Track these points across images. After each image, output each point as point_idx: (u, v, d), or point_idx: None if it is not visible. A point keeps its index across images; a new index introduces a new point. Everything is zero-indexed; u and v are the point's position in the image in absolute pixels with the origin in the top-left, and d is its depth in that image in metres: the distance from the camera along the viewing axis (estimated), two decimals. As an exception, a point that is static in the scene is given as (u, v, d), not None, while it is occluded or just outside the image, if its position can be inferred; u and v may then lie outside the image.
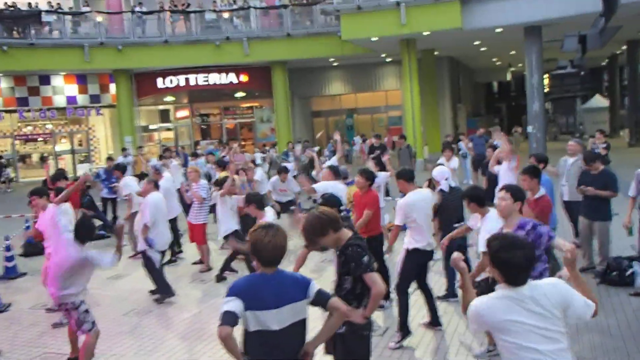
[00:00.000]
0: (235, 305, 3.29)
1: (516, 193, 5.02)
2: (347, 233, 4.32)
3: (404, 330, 6.39)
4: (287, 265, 3.79)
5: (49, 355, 6.73)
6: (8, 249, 10.51)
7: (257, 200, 7.48)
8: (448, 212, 7.67)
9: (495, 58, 34.89)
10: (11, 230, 12.79)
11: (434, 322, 6.78)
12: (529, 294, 3.20)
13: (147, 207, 8.54)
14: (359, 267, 4.20)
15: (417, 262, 6.57)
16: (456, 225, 7.60)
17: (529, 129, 22.90)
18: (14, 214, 16.80)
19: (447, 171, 8.12)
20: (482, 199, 5.71)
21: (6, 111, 27.93)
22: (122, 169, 12.37)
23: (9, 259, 10.50)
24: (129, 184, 11.33)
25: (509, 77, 46.25)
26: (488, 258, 3.31)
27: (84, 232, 5.91)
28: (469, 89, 38.89)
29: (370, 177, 7.62)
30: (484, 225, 5.51)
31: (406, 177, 6.84)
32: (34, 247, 11.76)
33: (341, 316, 3.62)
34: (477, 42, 26.00)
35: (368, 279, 4.19)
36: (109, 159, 16.25)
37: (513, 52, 30.90)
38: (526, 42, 22.41)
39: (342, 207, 6.01)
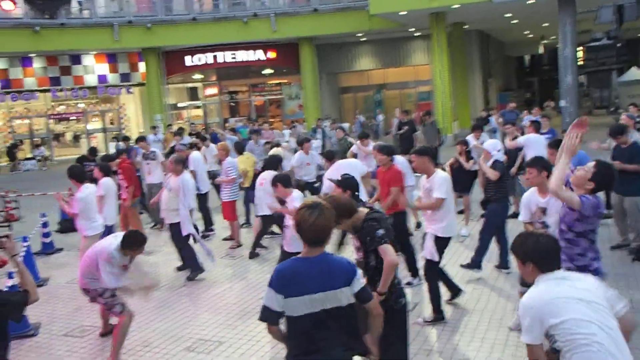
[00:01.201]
0: (271, 301, 3.31)
1: (536, 163, 5.14)
2: (362, 212, 4.34)
3: (438, 314, 6.37)
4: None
5: (85, 328, 6.93)
6: (45, 225, 10.78)
7: (283, 179, 7.24)
8: (505, 184, 7.71)
9: (527, 31, 34.16)
10: (47, 207, 13.09)
11: (456, 291, 6.80)
12: (565, 274, 3.25)
13: (188, 190, 8.52)
14: (373, 241, 4.22)
15: (445, 247, 6.50)
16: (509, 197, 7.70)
17: (562, 103, 22.48)
18: (50, 191, 17.16)
19: (499, 144, 8.24)
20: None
21: (40, 91, 28.39)
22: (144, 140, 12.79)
23: (46, 235, 10.79)
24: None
25: (541, 50, 45.27)
26: (518, 260, 3.36)
27: (129, 242, 5.86)
28: (499, 63, 38.22)
29: (389, 152, 7.60)
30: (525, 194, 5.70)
31: (430, 155, 6.57)
32: (70, 223, 12.05)
33: (380, 319, 3.64)
34: (508, 15, 25.47)
35: (381, 251, 4.21)
36: (125, 138, 16.64)
37: (546, 24, 30.21)
38: (560, 14, 21.89)
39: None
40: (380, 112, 29.13)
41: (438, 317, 6.35)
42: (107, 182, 8.88)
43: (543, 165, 5.43)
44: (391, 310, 4.24)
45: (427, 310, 6.53)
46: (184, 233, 8.52)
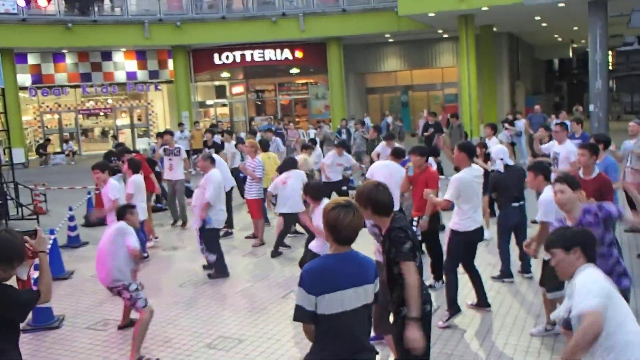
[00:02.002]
0: (304, 300, 3.28)
1: (573, 182, 4.78)
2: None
3: (454, 307, 6.34)
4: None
5: (109, 321, 7.03)
6: (71, 219, 10.95)
7: (313, 191, 6.95)
8: (505, 191, 7.57)
9: (556, 34, 33.75)
10: (74, 201, 13.29)
11: (483, 303, 6.73)
12: None
13: (209, 185, 8.51)
14: (399, 253, 4.13)
15: (464, 241, 6.46)
16: (515, 204, 7.54)
17: (591, 107, 22.14)
18: (77, 185, 17.45)
19: (504, 150, 8.03)
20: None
21: (70, 86, 28.84)
22: (170, 133, 12.73)
23: (72, 228, 10.95)
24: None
25: (570, 53, 44.69)
26: (559, 251, 3.45)
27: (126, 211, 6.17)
28: (528, 66, 37.80)
29: (423, 152, 7.58)
30: (544, 195, 5.64)
31: (469, 151, 6.58)
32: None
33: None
34: (538, 18, 25.18)
35: (404, 267, 4.09)
36: (168, 130, 16.71)
37: (576, 28, 29.79)
38: (590, 17, 21.54)
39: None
40: (388, 115, 28.83)
41: (453, 311, 6.35)
42: (136, 179, 8.99)
43: (540, 170, 5.97)
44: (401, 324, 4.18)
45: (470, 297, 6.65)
46: (194, 227, 8.58)
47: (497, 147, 8.15)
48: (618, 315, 3.23)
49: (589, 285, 3.26)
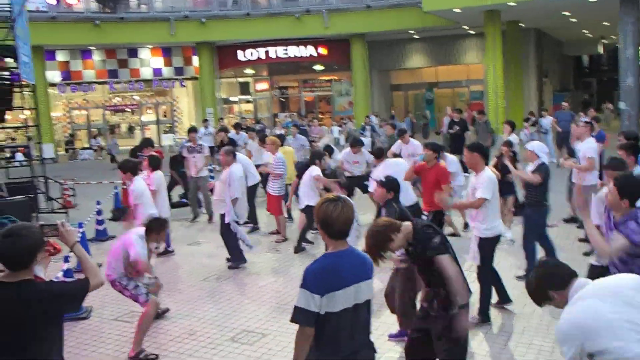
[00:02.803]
0: (309, 302, 3.20)
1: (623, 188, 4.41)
2: (407, 224, 4.27)
3: (484, 316, 6.28)
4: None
5: (135, 313, 7.11)
6: (99, 213, 11.12)
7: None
8: (546, 188, 7.49)
9: (585, 29, 33.21)
10: (102, 195, 13.47)
11: (504, 299, 6.68)
12: None
13: (233, 181, 8.61)
14: (429, 250, 4.14)
15: (494, 247, 6.36)
16: (546, 202, 7.48)
17: (621, 105, 21.79)
18: (105, 180, 17.70)
19: (545, 146, 8.02)
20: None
21: (98, 83, 29.24)
22: (195, 131, 12.80)
23: (100, 222, 11.13)
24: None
25: (600, 50, 43.95)
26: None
27: (155, 226, 6.16)
28: (556, 62, 37.28)
29: (436, 148, 7.55)
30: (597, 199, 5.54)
31: (482, 151, 6.44)
32: (122, 212, 12.39)
33: None
34: (566, 13, 24.83)
35: (438, 262, 4.10)
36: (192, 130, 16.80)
37: (606, 23, 29.29)
38: (621, 12, 21.18)
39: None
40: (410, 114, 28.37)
41: (483, 319, 6.27)
42: (157, 175, 9.08)
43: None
44: (451, 317, 4.21)
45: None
46: (226, 221, 8.66)
47: (535, 143, 8.03)
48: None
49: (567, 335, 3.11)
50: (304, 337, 3.25)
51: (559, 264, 3.29)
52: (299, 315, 3.24)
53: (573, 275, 3.20)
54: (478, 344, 5.86)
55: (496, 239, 6.36)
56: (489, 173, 6.33)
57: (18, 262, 3.09)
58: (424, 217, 7.39)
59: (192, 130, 12.80)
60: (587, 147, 8.92)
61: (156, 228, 6.17)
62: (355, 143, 11.62)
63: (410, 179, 7.97)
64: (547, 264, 3.34)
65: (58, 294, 3.20)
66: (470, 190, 6.42)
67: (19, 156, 18.76)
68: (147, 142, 11.77)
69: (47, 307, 3.13)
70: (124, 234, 6.42)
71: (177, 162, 12.92)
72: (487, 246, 6.29)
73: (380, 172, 8.26)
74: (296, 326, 3.31)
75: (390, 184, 6.05)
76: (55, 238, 3.54)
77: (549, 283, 3.22)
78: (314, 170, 9.25)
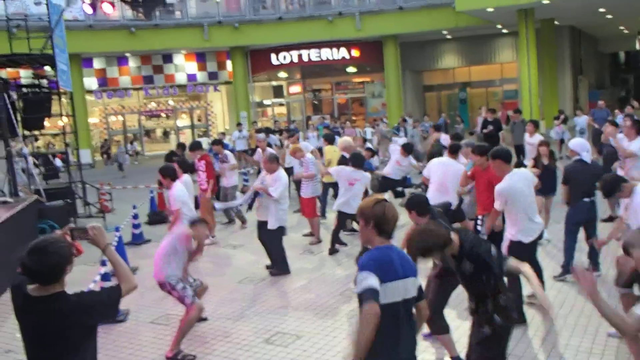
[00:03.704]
0: (374, 282, 3.29)
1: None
2: (456, 239, 4.17)
3: (520, 317, 6.11)
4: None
5: (170, 316, 7.23)
6: (135, 217, 11.32)
7: (419, 205, 5.70)
8: (576, 185, 7.37)
9: (622, 26, 32.50)
10: (138, 200, 13.71)
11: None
12: None
13: (278, 183, 8.49)
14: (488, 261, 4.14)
15: (525, 252, 6.07)
16: (586, 199, 7.37)
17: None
18: (141, 185, 18.00)
19: (587, 143, 7.87)
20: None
21: (134, 89, 29.76)
22: (219, 143, 12.54)
23: (136, 226, 11.32)
24: (230, 156, 11.92)
25: (637, 46, 42.95)
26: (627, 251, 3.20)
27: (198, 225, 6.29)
28: (591, 59, 36.56)
29: (482, 151, 7.39)
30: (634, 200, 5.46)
31: (504, 157, 6.25)
32: (158, 215, 12.61)
33: (422, 321, 3.74)
34: (602, 9, 24.34)
35: (513, 264, 4.24)
36: (218, 139, 16.98)
37: (643, 19, 28.68)
38: (659, 8, 20.73)
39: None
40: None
41: (519, 319, 6.17)
42: (185, 179, 9.16)
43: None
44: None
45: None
46: (269, 227, 8.63)
47: (576, 140, 7.89)
48: None
49: None
50: (373, 317, 3.21)
51: None
52: (368, 293, 3.24)
53: None
54: (515, 344, 5.77)
55: (530, 245, 6.24)
56: (500, 185, 6.17)
57: (48, 279, 3.07)
58: (478, 220, 7.27)
59: (216, 142, 12.56)
60: (638, 147, 8.48)
61: (200, 222, 6.31)
62: (406, 147, 11.53)
63: (465, 185, 7.81)
64: None
65: (90, 305, 3.16)
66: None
67: (57, 162, 19.21)
68: (196, 145, 11.60)
69: (80, 320, 3.12)
70: (167, 235, 6.53)
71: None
72: (514, 252, 6.06)
73: (426, 171, 8.39)
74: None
75: (413, 205, 5.46)
76: (87, 241, 3.45)
77: None
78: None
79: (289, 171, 12.35)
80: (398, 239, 5.30)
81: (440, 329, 5.42)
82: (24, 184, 12.89)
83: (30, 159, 13.26)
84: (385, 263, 3.40)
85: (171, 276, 6.17)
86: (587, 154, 7.59)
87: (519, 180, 6.16)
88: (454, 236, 4.17)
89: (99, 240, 3.36)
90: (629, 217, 5.67)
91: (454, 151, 8.62)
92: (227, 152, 12.16)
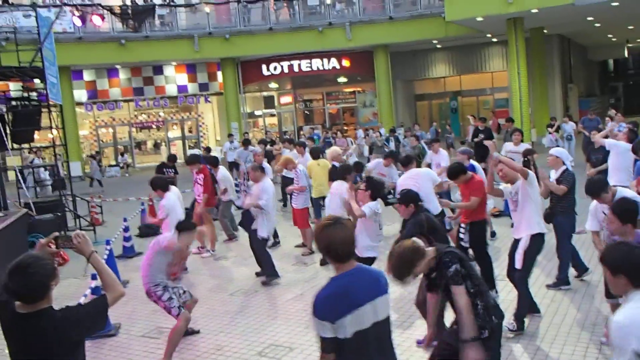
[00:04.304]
0: (324, 330, 3.15)
1: (623, 215, 4.62)
2: (431, 251, 4.30)
3: (520, 324, 6.17)
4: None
5: (162, 329, 7.15)
6: (126, 229, 11.23)
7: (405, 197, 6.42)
8: (570, 194, 7.37)
9: (610, 34, 32.80)
10: (128, 212, 13.62)
11: (533, 309, 6.59)
12: None
13: (264, 192, 8.58)
14: (445, 278, 4.20)
15: (541, 247, 6.32)
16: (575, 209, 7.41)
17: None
18: (131, 197, 17.89)
19: (566, 152, 7.89)
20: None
21: (124, 101, 29.68)
22: (213, 162, 11.98)
23: (127, 239, 11.23)
24: (226, 176, 11.53)
25: (626, 53, 43.36)
26: (608, 271, 3.09)
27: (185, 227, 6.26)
28: (581, 67, 36.86)
29: (457, 172, 7.37)
30: None
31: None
32: (149, 228, 12.51)
33: None
34: (590, 18, 24.53)
35: (453, 291, 4.17)
36: (207, 149, 17.01)
37: (631, 27, 28.95)
38: (646, 16, 20.92)
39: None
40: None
41: (519, 326, 6.17)
42: (174, 190, 9.11)
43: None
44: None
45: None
46: (259, 236, 8.66)
47: (558, 149, 7.88)
48: None
49: (614, 331, 2.87)
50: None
51: None
52: (325, 344, 3.18)
53: None
54: (508, 353, 5.76)
55: (542, 238, 6.32)
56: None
57: (32, 297, 3.04)
58: (461, 228, 7.30)
59: (207, 151, 12.62)
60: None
61: (187, 229, 6.26)
62: (389, 155, 11.55)
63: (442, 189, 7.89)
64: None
65: (77, 319, 3.12)
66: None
67: (43, 174, 19.08)
68: (194, 159, 11.32)
69: (67, 335, 3.08)
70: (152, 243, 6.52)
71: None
72: (534, 246, 6.24)
73: (403, 181, 8.22)
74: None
75: (406, 198, 6.09)
76: (72, 249, 3.42)
77: (633, 274, 3.00)
78: (343, 187, 9.08)
79: (289, 181, 12.25)
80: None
81: (439, 335, 5.43)
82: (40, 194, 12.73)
83: (20, 171, 13.13)
84: (340, 296, 3.16)
85: (156, 285, 6.16)
86: (570, 162, 7.60)
87: None
88: (431, 250, 4.27)
89: (83, 248, 3.33)
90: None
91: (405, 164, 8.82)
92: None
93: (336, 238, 3.21)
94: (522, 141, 11.75)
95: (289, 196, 12.03)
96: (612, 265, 3.08)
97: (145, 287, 6.23)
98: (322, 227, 3.28)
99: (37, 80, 14.52)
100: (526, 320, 6.35)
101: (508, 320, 6.17)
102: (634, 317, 2.86)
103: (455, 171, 7.33)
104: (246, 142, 17.75)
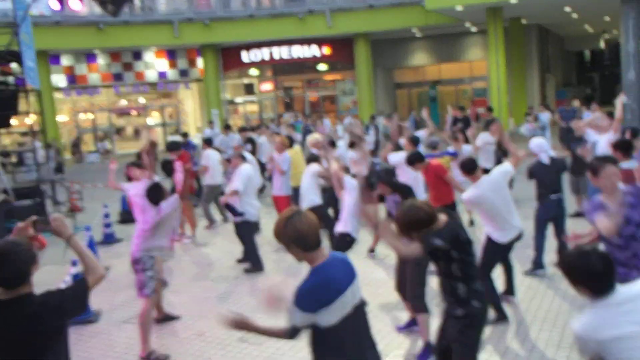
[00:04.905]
0: (305, 319, 3.22)
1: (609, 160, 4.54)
2: (442, 218, 4.11)
3: (500, 313, 6.21)
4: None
5: (144, 316, 7.20)
6: (107, 216, 11.21)
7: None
8: (544, 183, 7.57)
9: (587, 25, 33.17)
10: (109, 198, 13.56)
11: (510, 291, 6.76)
12: (625, 295, 2.88)
13: (239, 176, 8.68)
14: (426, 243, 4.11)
15: (500, 251, 6.32)
16: (553, 196, 7.52)
17: (624, 99, 21.72)
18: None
19: (546, 143, 7.95)
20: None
21: (103, 86, 29.37)
22: (209, 142, 12.64)
23: (108, 225, 11.21)
24: (210, 155, 11.66)
25: (602, 44, 43.86)
26: (569, 280, 3.04)
27: (155, 195, 6.26)
28: (558, 58, 37.23)
29: (413, 160, 7.47)
30: None
31: (466, 168, 6.26)
32: (129, 214, 12.44)
33: None
34: (567, 9, 24.80)
35: (411, 247, 4.13)
36: (184, 135, 16.99)
37: (607, 18, 29.26)
38: (622, 7, 21.14)
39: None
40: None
41: (500, 316, 6.22)
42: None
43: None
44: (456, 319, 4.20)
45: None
46: (236, 220, 8.72)
47: (536, 140, 8.01)
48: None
49: (576, 340, 2.91)
50: (279, 337, 3.39)
51: (612, 273, 2.96)
52: (290, 330, 3.29)
53: (611, 290, 2.92)
54: (488, 337, 5.87)
55: (503, 246, 6.33)
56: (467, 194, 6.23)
57: (13, 283, 3.03)
58: None
59: (185, 137, 12.70)
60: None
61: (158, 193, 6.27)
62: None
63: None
64: (605, 265, 2.93)
65: (57, 304, 3.12)
66: None
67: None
68: (174, 145, 11.36)
69: (49, 320, 3.07)
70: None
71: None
72: (491, 249, 6.31)
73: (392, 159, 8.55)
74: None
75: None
76: (50, 232, 3.39)
77: (588, 282, 2.94)
78: (313, 168, 9.06)
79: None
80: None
81: (421, 308, 5.57)
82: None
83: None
84: (324, 287, 3.20)
85: (151, 249, 6.17)
86: (545, 154, 7.71)
87: (483, 189, 6.05)
88: (443, 217, 4.13)
89: (61, 231, 3.30)
90: None
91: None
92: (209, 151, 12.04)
93: (303, 227, 3.19)
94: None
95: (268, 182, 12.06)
96: (567, 276, 3.03)
97: (137, 253, 6.17)
98: (284, 220, 3.24)
99: (14, 65, 14.33)
100: (515, 304, 6.53)
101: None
102: (588, 328, 2.85)
103: (410, 159, 7.47)
104: (227, 127, 17.75)
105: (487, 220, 6.23)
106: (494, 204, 6.05)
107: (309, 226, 3.20)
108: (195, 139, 22.77)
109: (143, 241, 6.20)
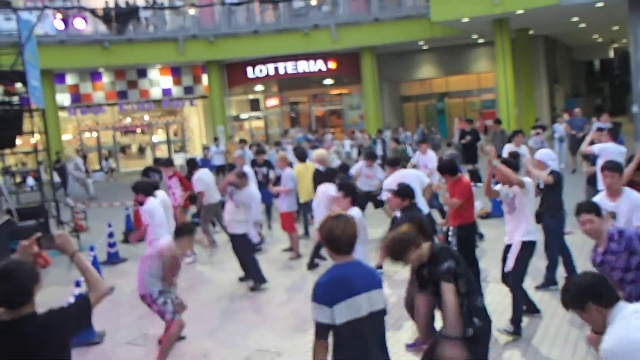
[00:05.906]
0: (322, 315, 3.31)
1: (598, 210, 4.58)
2: (426, 245, 4.25)
3: (517, 328, 6.09)
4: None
5: (148, 336, 7.02)
6: (111, 235, 11.04)
7: (345, 188, 6.79)
8: (558, 194, 7.39)
9: (595, 34, 33.03)
10: (113, 218, 13.42)
11: (533, 309, 6.56)
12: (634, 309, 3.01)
13: (252, 201, 8.60)
14: (437, 273, 4.13)
15: (532, 253, 6.27)
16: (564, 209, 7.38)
17: (634, 109, 21.53)
18: (116, 202, 17.68)
19: (553, 153, 7.82)
20: None
21: (108, 104, 29.38)
22: (193, 164, 11.90)
23: (112, 245, 11.05)
24: (201, 178, 10.83)
25: (611, 54, 43.66)
26: (577, 312, 3.17)
27: (180, 231, 6.13)
28: (567, 68, 37.07)
29: (446, 169, 7.31)
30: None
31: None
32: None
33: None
34: (575, 19, 24.67)
35: (443, 287, 4.10)
36: (205, 148, 16.83)
37: (616, 27, 29.08)
38: (630, 16, 20.98)
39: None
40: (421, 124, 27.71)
41: (516, 330, 6.08)
42: (161, 195, 8.92)
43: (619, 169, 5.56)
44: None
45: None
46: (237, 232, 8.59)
47: (542, 151, 7.82)
48: None
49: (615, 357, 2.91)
50: (319, 351, 3.34)
51: (610, 284, 3.16)
52: (315, 328, 3.35)
53: (618, 298, 3.10)
54: (499, 353, 5.71)
55: (534, 245, 6.28)
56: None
57: (16, 303, 3.01)
58: (449, 232, 7.21)
59: (206, 150, 12.62)
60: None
61: (186, 232, 6.11)
62: (369, 156, 11.42)
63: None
64: (601, 278, 3.19)
65: (61, 323, 3.11)
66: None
67: (30, 181, 18.81)
68: (167, 162, 11.21)
69: (52, 340, 3.05)
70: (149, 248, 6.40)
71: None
72: (527, 252, 6.21)
73: (391, 181, 8.12)
74: (311, 344, 3.35)
75: (404, 191, 6.21)
76: (55, 249, 3.39)
77: (596, 296, 3.06)
78: (327, 191, 8.96)
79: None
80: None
81: (430, 334, 5.38)
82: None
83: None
84: (339, 282, 3.35)
85: (152, 289, 6.04)
86: (553, 162, 7.54)
87: None
88: (427, 244, 4.24)
89: (66, 248, 3.31)
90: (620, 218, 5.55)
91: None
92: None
93: (336, 229, 3.41)
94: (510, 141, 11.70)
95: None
96: (575, 303, 3.13)
97: (140, 291, 6.12)
98: (327, 219, 3.50)
99: (18, 85, 14.26)
100: (525, 320, 6.29)
101: (505, 323, 6.14)
102: (620, 342, 2.87)
103: (446, 166, 7.26)
104: (242, 142, 17.84)
105: (523, 219, 6.15)
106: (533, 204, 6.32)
107: (343, 232, 3.41)
108: (179, 159, 22.84)
109: (141, 279, 6.13)
